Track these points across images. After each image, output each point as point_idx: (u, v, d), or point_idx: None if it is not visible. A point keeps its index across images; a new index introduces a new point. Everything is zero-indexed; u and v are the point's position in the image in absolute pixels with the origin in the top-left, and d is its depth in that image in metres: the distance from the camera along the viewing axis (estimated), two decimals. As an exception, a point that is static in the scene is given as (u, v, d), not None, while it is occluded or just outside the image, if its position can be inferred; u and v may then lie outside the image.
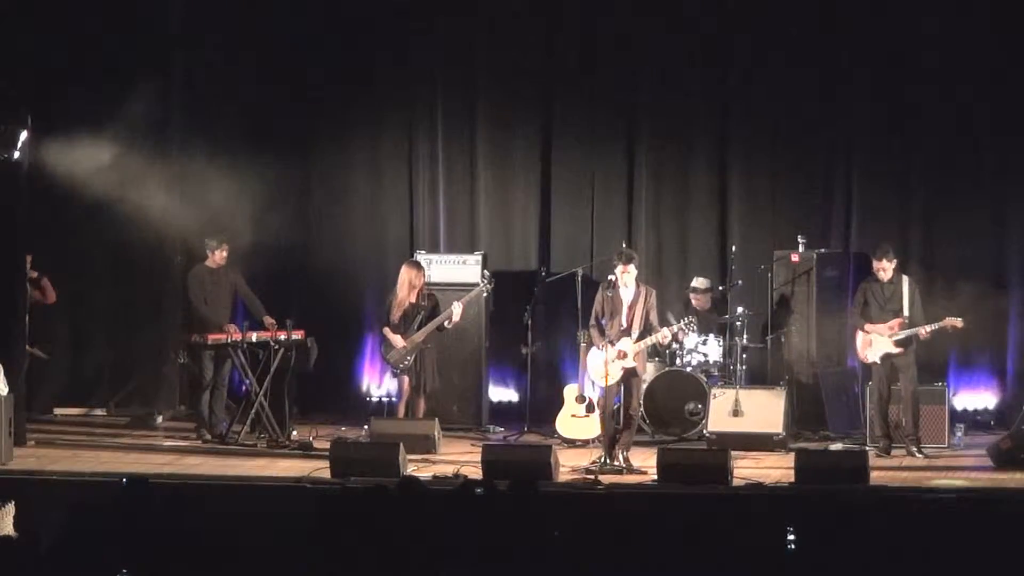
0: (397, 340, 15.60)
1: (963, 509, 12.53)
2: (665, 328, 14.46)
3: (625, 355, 14.16)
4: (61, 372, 17.64)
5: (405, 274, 15.80)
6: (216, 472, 14.17)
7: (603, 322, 14.33)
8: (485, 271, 16.59)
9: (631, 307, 14.28)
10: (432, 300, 15.82)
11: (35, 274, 16.30)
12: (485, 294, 16.50)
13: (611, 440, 14.31)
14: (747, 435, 15.36)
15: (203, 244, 16.05)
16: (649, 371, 16.17)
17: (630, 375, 14.28)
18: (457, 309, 15.71)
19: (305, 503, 12.64)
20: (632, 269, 14.33)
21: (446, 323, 15.74)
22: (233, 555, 9.26)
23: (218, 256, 15.94)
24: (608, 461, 14.17)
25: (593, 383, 15.22)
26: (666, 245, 17.57)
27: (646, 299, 14.31)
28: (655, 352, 16.18)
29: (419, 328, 15.63)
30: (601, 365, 14.28)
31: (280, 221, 17.27)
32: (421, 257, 16.79)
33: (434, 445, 15.09)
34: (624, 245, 15.93)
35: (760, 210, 17.31)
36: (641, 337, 14.25)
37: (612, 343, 14.17)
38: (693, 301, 16.68)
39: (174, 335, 17.29)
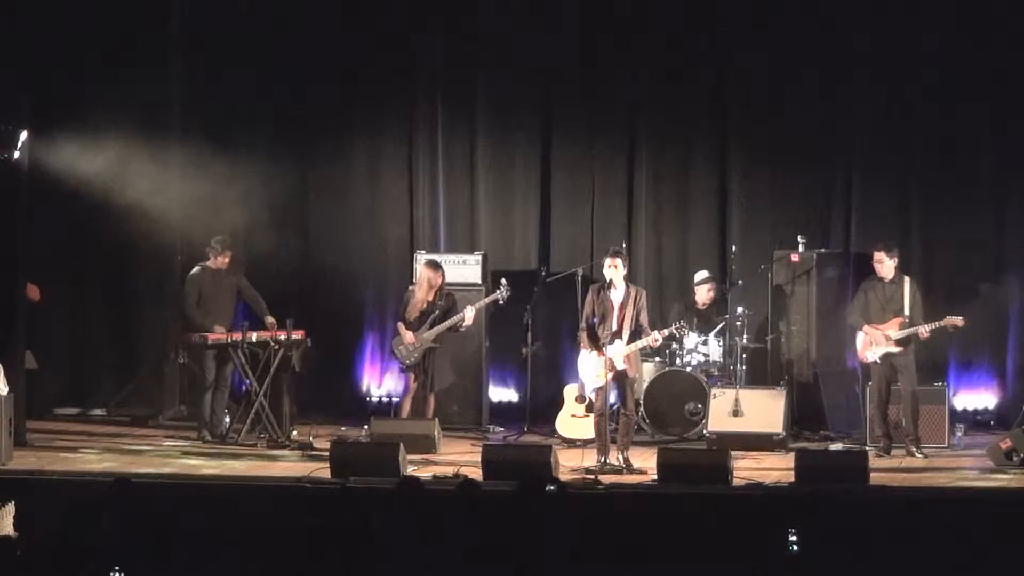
0: (408, 336, 15.67)
1: (963, 509, 12.52)
2: (656, 332, 14.42)
3: (614, 367, 14.10)
4: (61, 372, 17.63)
5: (424, 274, 15.89)
6: (216, 472, 14.17)
7: (595, 322, 14.27)
8: (503, 279, 16.39)
9: (621, 309, 14.19)
10: (450, 300, 15.88)
11: None
12: (501, 302, 16.40)
13: (605, 441, 14.28)
14: (747, 435, 15.36)
15: (207, 245, 15.98)
16: (649, 371, 16.18)
17: (621, 377, 14.24)
18: (470, 313, 15.74)
19: (305, 503, 12.65)
20: (620, 264, 14.21)
21: (460, 326, 15.77)
22: (232, 555, 9.26)
23: (220, 260, 15.91)
24: (605, 461, 14.16)
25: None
26: (666, 245, 17.56)
27: (636, 300, 14.23)
28: (655, 352, 16.16)
29: (431, 327, 15.67)
30: (591, 368, 14.28)
31: (280, 221, 17.28)
32: (421, 257, 16.79)
33: (434, 445, 15.10)
34: (623, 245, 15.92)
35: (760, 210, 17.30)
36: (632, 339, 14.22)
37: (603, 348, 14.11)
38: (700, 295, 16.62)
39: (174, 335, 17.29)
